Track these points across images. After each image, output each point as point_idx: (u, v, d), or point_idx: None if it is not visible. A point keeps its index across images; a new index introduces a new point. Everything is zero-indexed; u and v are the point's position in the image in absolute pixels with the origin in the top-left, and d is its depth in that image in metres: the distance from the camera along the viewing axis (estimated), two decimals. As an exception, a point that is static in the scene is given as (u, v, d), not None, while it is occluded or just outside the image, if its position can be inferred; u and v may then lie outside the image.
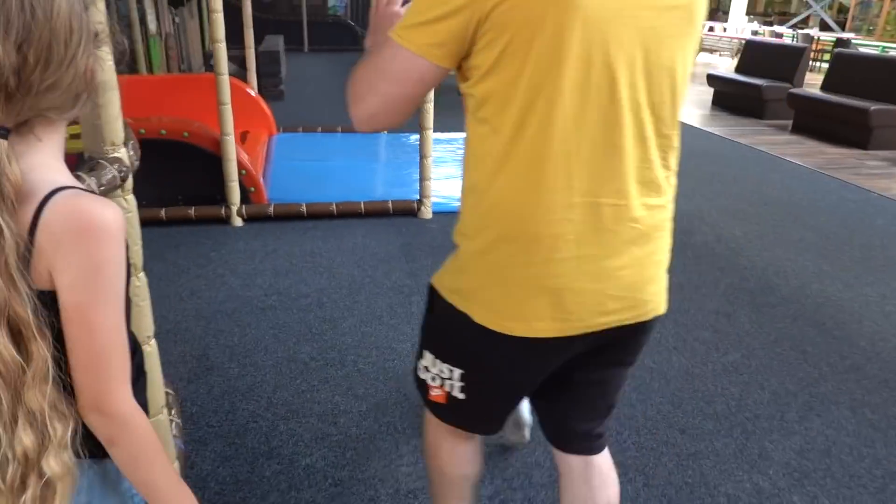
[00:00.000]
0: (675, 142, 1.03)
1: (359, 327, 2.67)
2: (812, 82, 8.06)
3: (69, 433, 0.74)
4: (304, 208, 3.76)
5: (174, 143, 3.59)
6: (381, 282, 3.08)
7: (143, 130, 3.53)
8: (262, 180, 3.94)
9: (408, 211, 3.91)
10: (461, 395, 1.12)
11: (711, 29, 15.56)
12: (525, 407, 1.89)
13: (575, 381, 1.16)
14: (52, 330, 0.72)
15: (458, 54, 0.92)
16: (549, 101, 0.89)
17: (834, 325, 2.85)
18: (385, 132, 5.42)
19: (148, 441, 0.80)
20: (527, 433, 1.93)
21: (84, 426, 0.76)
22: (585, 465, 1.24)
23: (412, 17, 0.92)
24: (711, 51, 13.97)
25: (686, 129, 5.29)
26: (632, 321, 1.06)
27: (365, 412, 2.16)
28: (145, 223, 3.59)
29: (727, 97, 8.24)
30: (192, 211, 3.65)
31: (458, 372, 1.11)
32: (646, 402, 2.27)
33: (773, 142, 6.50)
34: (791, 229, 4.02)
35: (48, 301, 0.72)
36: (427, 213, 3.91)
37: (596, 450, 1.24)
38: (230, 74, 4.88)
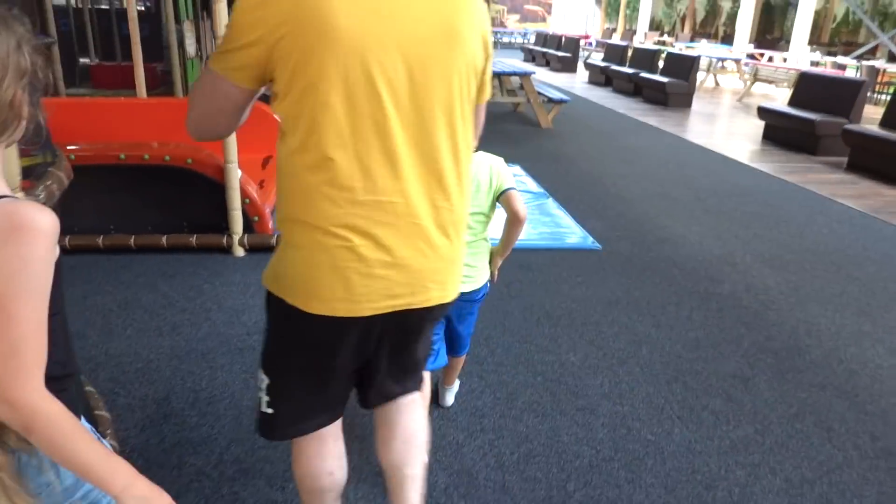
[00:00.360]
0: (462, 153, 1.21)
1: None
2: (874, 116, 7.57)
3: None
4: (306, 240, 3.63)
5: (178, 170, 3.53)
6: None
7: (147, 156, 3.49)
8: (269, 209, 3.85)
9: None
10: (273, 407, 1.34)
11: (770, 59, 15.01)
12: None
13: (379, 359, 1.34)
14: None
15: (259, 78, 1.12)
16: (322, 116, 1.09)
17: (868, 399, 2.53)
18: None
19: (63, 423, 0.84)
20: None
21: None
22: (407, 405, 1.50)
23: (221, 46, 1.11)
24: (769, 81, 13.45)
25: (730, 165, 5.01)
26: (416, 306, 1.23)
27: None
28: (146, 250, 3.56)
29: (779, 131, 7.82)
30: (193, 239, 3.58)
31: (266, 381, 1.33)
32: (635, 482, 2.01)
33: (824, 181, 6.09)
34: (832, 281, 3.67)
35: None
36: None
37: (407, 391, 1.49)
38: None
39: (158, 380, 2.43)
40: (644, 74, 11.40)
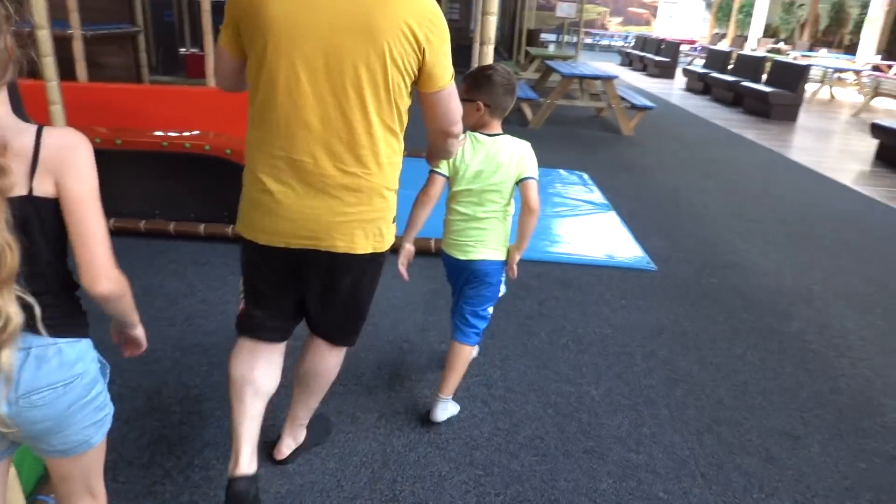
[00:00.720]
0: (376, 130, 1.45)
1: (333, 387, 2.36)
2: None
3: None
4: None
5: (217, 160, 3.51)
6: (385, 334, 2.75)
7: (188, 145, 3.49)
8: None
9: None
10: (243, 305, 1.71)
11: (896, 71, 13.64)
12: (441, 415, 2.15)
13: (306, 288, 1.64)
14: (46, 235, 1.05)
15: (239, 50, 1.48)
16: (264, 85, 1.42)
17: (946, 479, 2.11)
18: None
19: (129, 294, 1.18)
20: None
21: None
22: (324, 345, 1.78)
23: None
24: (894, 97, 12.20)
25: (829, 186, 4.47)
26: (323, 249, 1.52)
27: (283, 495, 1.85)
28: (184, 237, 3.56)
29: (893, 151, 7.03)
30: (230, 229, 3.56)
31: (242, 283, 1.71)
32: (632, 549, 1.74)
33: (938, 211, 5.38)
34: (926, 329, 3.17)
35: (48, 209, 1.03)
36: (474, 256, 3.54)
37: (333, 341, 1.78)
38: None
39: (156, 371, 2.38)
40: (746, 83, 10.63)
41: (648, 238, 4.14)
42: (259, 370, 1.71)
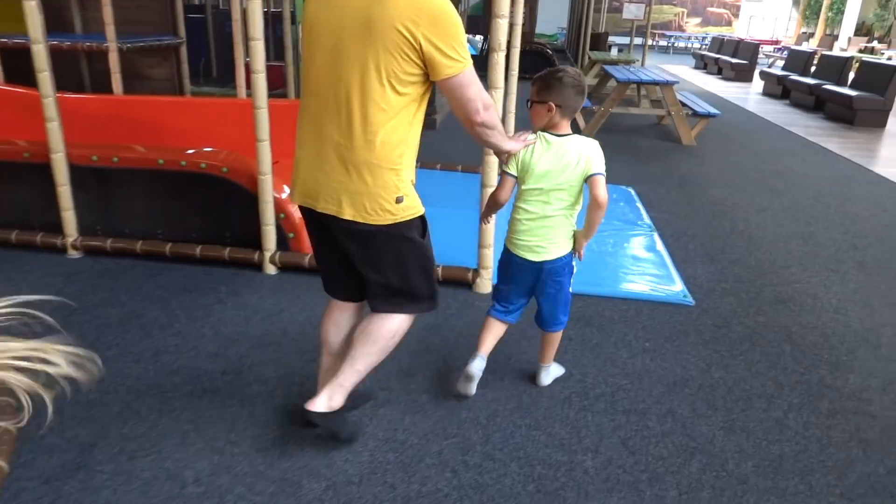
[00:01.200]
0: (371, 111, 1.65)
1: (278, 448, 2.09)
2: None
3: None
4: (341, 263, 3.27)
5: (216, 178, 3.33)
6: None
7: (184, 163, 3.33)
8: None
9: (460, 281, 3.24)
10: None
11: None
12: (475, 366, 2.23)
13: (344, 258, 1.89)
14: None
15: None
16: (303, 71, 1.82)
17: None
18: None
19: None
20: (471, 388, 2.27)
21: None
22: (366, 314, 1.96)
23: None
24: None
25: None
26: (319, 210, 1.77)
27: None
28: (179, 259, 3.40)
29: None
30: (226, 252, 3.37)
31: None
32: None
33: None
34: None
35: None
36: (484, 286, 3.20)
37: (374, 308, 1.92)
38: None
39: (99, 418, 2.17)
40: (828, 86, 9.75)
41: (691, 265, 3.67)
42: (331, 329, 2.05)
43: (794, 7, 28.12)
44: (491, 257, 3.15)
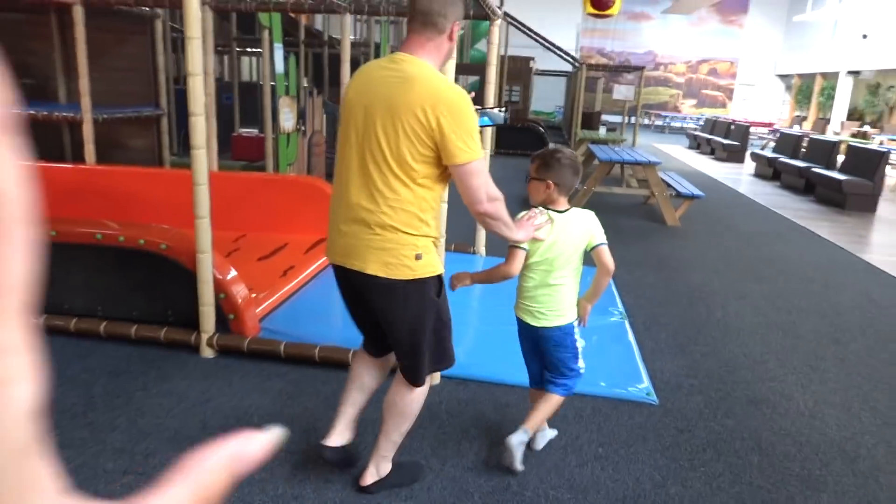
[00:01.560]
0: (388, 181, 1.83)
1: None
2: None
3: None
4: (281, 347, 3.08)
5: (155, 255, 3.18)
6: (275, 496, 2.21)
7: (122, 238, 3.19)
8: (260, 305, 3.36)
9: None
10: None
11: None
12: (516, 439, 2.28)
13: (367, 316, 2.07)
14: None
15: None
16: (338, 150, 1.97)
17: None
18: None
19: None
20: (513, 460, 2.28)
21: None
22: (396, 377, 2.10)
23: None
24: None
25: None
26: (347, 266, 1.92)
27: None
28: (115, 338, 3.20)
29: None
30: (162, 333, 3.17)
31: None
32: None
33: None
34: None
35: None
36: (437, 377, 2.98)
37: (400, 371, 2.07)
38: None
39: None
40: (817, 169, 9.76)
41: (660, 357, 3.46)
42: (361, 367, 2.23)
43: (787, 91, 28.84)
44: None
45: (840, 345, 3.88)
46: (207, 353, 3.14)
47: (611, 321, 3.90)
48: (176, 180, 5.26)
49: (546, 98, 22.17)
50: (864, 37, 20.83)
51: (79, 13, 4.62)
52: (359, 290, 1.96)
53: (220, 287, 3.14)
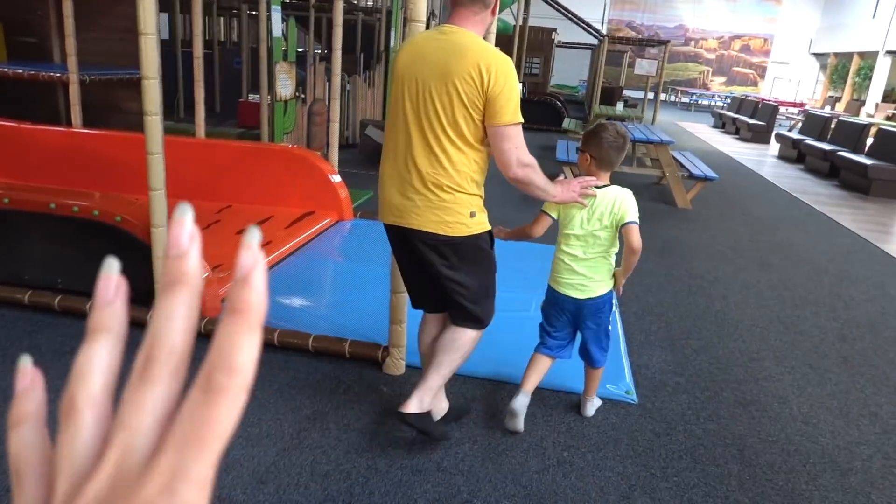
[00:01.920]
0: (443, 144, 1.97)
1: None
2: None
3: None
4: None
5: (109, 227, 3.02)
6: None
7: (76, 208, 3.03)
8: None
9: (370, 359, 2.85)
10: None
11: None
12: (519, 403, 2.37)
13: (422, 272, 2.18)
14: None
15: None
16: (389, 112, 2.10)
17: None
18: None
19: None
20: (517, 423, 2.38)
21: None
22: (446, 325, 2.24)
23: None
24: None
25: None
26: (404, 225, 2.06)
27: None
28: (71, 313, 3.06)
29: None
30: (118, 308, 3.03)
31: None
32: None
33: None
34: None
35: None
36: (396, 367, 2.81)
37: (452, 321, 2.21)
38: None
39: None
40: (843, 153, 9.31)
41: (648, 352, 3.24)
42: (426, 340, 2.32)
43: (822, 71, 27.82)
44: (403, 335, 2.76)
45: (846, 342, 3.62)
46: (165, 331, 2.99)
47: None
48: (173, 147, 5.11)
49: (570, 71, 21.63)
50: (906, 14, 19.86)
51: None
52: (417, 249, 2.09)
53: (178, 263, 2.97)
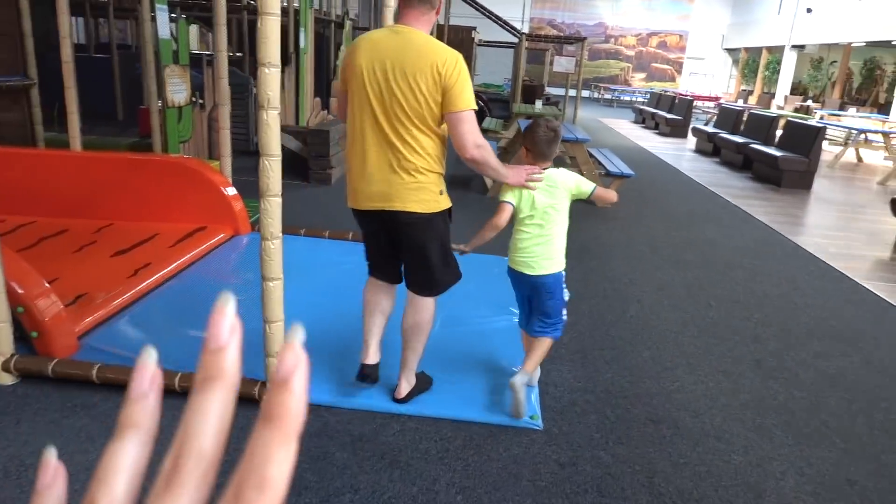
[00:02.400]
0: (409, 131, 2.22)
1: None
2: None
3: None
4: (95, 371, 2.53)
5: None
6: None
7: None
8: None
9: (248, 398, 2.52)
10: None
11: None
12: (519, 382, 2.48)
13: (392, 248, 2.47)
14: None
15: (343, 84, 2.39)
16: (352, 109, 2.30)
17: None
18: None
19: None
20: (522, 408, 2.51)
21: None
22: (412, 297, 2.50)
23: None
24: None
25: (833, 283, 5.89)
26: (384, 209, 2.31)
27: None
28: None
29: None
30: (-51, 355, 2.59)
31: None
32: None
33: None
34: None
35: None
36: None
37: (416, 292, 2.49)
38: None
39: None
40: (755, 145, 9.52)
41: (557, 367, 3.04)
42: (376, 300, 2.55)
43: (734, 65, 28.92)
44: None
45: (759, 343, 3.54)
46: (6, 378, 2.57)
47: (504, 323, 3.45)
48: (44, 161, 4.61)
49: (495, 71, 21.62)
50: (809, 11, 20.82)
51: None
52: (394, 227, 2.35)
53: (17, 300, 2.56)
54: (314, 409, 2.49)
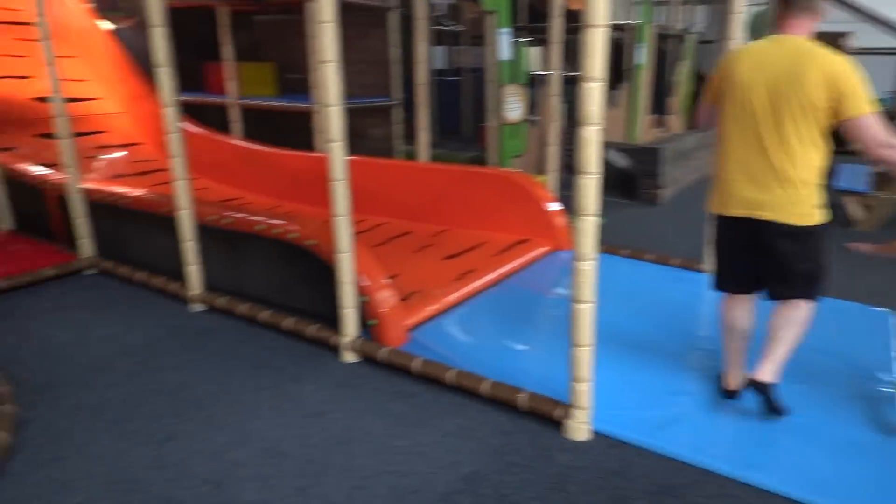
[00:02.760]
0: (791, 145, 2.22)
1: None
2: None
3: None
4: (415, 364, 2.75)
5: (305, 251, 3.09)
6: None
7: (277, 231, 3.15)
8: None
9: (547, 417, 2.46)
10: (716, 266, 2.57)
11: None
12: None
13: (760, 261, 2.41)
14: None
15: (713, 99, 2.49)
16: (732, 120, 2.33)
17: None
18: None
19: None
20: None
21: None
22: (778, 305, 2.43)
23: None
24: None
25: None
26: (755, 217, 2.32)
27: None
28: (274, 328, 3.21)
29: None
30: (309, 330, 3.08)
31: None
32: None
33: None
34: None
35: None
36: (578, 431, 2.38)
37: (790, 296, 2.39)
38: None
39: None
40: None
41: None
42: (740, 316, 2.50)
43: None
44: (588, 396, 2.33)
45: None
46: (349, 356, 2.96)
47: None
48: (397, 171, 5.29)
49: (875, 83, 18.37)
50: None
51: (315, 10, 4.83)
52: (764, 237, 2.33)
53: (363, 290, 2.92)
54: (617, 445, 2.32)
